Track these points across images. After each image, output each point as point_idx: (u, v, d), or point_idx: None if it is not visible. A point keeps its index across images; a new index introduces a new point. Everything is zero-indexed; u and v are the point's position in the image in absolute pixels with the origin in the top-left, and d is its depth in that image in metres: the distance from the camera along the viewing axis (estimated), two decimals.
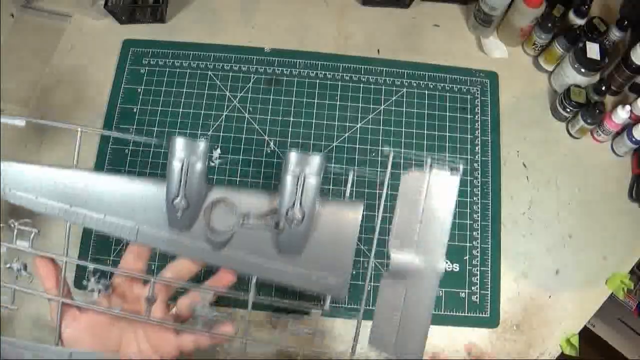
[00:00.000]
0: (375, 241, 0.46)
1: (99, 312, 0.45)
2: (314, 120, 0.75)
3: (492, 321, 0.68)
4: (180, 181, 0.46)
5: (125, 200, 0.49)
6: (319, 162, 0.45)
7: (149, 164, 0.73)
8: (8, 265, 0.48)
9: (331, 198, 0.47)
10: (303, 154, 0.44)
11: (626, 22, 0.74)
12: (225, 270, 0.47)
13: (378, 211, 0.45)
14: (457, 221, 0.71)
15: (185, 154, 0.46)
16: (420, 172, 0.46)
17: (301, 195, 0.45)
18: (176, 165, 0.46)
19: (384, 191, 0.45)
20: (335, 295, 0.47)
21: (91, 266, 0.46)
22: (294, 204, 0.45)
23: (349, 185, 0.47)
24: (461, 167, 0.45)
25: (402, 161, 0.45)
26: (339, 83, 0.78)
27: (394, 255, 0.45)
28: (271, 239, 0.47)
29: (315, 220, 0.46)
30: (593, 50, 0.71)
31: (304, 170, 0.45)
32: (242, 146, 0.74)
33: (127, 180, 0.49)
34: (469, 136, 0.76)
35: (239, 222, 0.47)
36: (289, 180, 0.45)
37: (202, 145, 0.45)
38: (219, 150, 0.73)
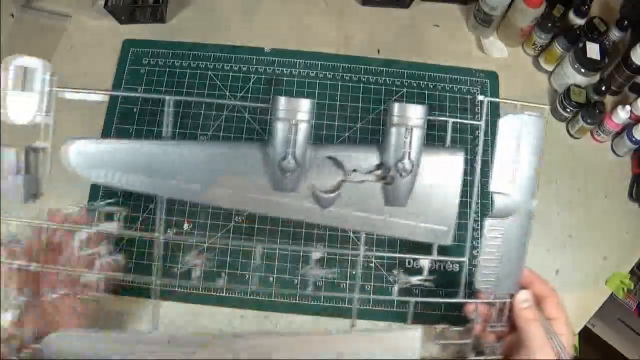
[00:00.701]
0: (477, 184, 0.50)
1: None
2: (313, 120, 0.75)
3: None
4: (289, 141, 0.46)
5: (220, 167, 0.48)
6: (422, 112, 0.46)
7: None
8: (89, 252, 0.47)
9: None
10: (406, 104, 0.46)
11: (626, 22, 0.74)
12: None
13: (476, 157, 0.50)
14: (457, 221, 0.70)
15: (291, 113, 0.46)
16: (515, 116, 0.49)
17: (411, 145, 0.46)
18: (282, 125, 0.46)
19: (480, 136, 0.50)
20: (442, 242, 0.49)
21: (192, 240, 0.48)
22: (402, 155, 0.46)
23: (449, 133, 0.49)
24: (547, 108, 0.51)
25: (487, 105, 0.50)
26: (339, 83, 0.78)
27: (496, 196, 0.48)
28: (378, 192, 0.48)
29: (419, 172, 0.47)
30: (593, 50, 0.71)
31: (408, 120, 0.46)
32: None
33: (219, 147, 0.48)
34: (468, 136, 0.76)
35: (346, 178, 0.47)
36: (395, 132, 0.46)
37: (307, 103, 0.46)
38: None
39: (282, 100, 0.46)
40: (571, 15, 0.75)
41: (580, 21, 0.75)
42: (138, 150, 0.46)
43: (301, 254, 0.68)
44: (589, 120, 0.72)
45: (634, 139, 0.71)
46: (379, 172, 0.47)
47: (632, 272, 0.72)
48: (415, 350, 0.47)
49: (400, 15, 0.84)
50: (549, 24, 0.74)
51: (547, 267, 0.71)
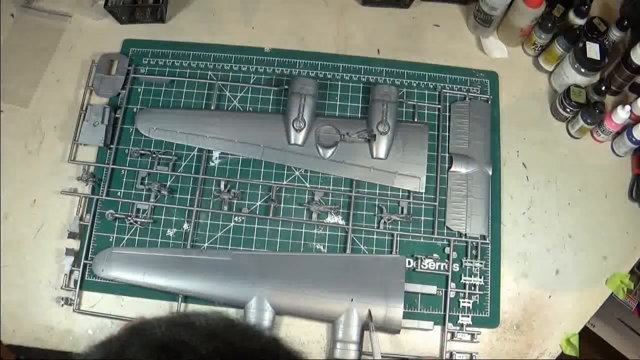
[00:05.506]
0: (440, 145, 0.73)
1: None
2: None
3: (492, 321, 0.68)
4: (300, 107, 0.69)
5: (250, 129, 0.70)
6: (396, 93, 0.72)
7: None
8: (148, 187, 0.68)
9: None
10: (386, 85, 0.72)
11: (626, 22, 0.74)
12: None
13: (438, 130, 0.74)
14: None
15: (302, 88, 0.70)
16: (464, 103, 0.75)
17: (387, 113, 0.69)
18: (295, 97, 0.69)
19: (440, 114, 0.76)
20: (416, 189, 0.70)
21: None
22: (381, 120, 0.69)
23: (416, 113, 0.75)
24: (490, 98, 0.76)
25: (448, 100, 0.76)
26: (339, 83, 0.78)
27: (455, 163, 0.71)
28: (365, 149, 0.70)
29: (395, 136, 0.70)
30: (593, 50, 0.71)
31: (386, 97, 0.71)
32: None
33: (249, 116, 0.73)
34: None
35: (340, 138, 0.69)
36: (377, 105, 0.71)
37: (312, 82, 0.71)
38: (219, 151, 0.73)
39: (295, 81, 0.71)
40: (571, 15, 0.75)
41: (580, 21, 0.75)
42: (195, 114, 0.72)
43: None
44: (589, 120, 0.72)
45: (634, 139, 0.71)
46: (365, 133, 0.69)
47: (632, 272, 0.72)
48: (403, 271, 0.65)
49: (400, 15, 0.83)
50: (549, 24, 0.74)
51: (547, 267, 0.71)
